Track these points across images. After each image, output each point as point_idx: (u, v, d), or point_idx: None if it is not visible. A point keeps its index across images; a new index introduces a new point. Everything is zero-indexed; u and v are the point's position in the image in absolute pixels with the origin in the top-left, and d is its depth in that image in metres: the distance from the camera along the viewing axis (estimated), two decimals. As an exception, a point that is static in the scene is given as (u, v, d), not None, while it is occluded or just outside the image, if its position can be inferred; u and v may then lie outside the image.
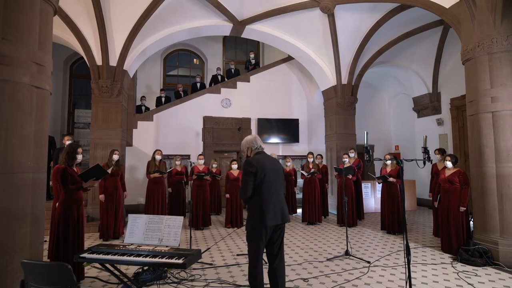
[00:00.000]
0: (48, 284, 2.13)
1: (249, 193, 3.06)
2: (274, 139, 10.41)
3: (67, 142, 5.81)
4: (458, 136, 8.97)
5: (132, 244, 3.17)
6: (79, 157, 4.07)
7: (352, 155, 7.92)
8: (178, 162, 7.84)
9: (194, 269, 4.40)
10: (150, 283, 3.84)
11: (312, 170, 7.62)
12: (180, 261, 2.82)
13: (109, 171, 5.71)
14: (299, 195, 9.33)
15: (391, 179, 6.35)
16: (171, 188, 7.83)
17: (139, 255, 2.93)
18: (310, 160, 7.85)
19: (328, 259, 4.90)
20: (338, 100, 9.04)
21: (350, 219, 7.08)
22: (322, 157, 8.55)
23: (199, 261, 4.52)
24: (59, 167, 3.90)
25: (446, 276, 4.21)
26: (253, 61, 11.34)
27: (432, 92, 9.78)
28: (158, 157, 7.13)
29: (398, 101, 11.59)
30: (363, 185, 8.63)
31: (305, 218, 7.58)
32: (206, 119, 9.94)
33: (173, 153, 9.36)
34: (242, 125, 10.00)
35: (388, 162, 6.57)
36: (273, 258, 3.12)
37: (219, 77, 10.89)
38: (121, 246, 3.13)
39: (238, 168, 7.61)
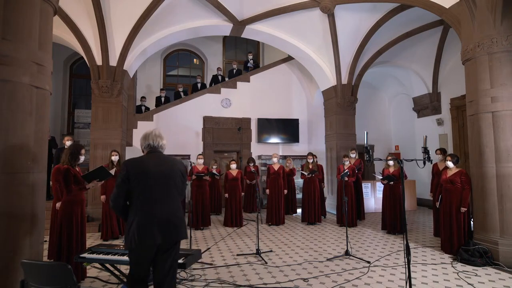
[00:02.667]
0: (48, 284, 2.13)
1: (119, 202, 2.41)
2: (274, 139, 10.41)
3: (67, 143, 5.81)
4: (458, 136, 8.97)
5: (132, 244, 3.16)
6: (82, 158, 4.09)
7: (353, 155, 7.92)
8: None
9: (194, 269, 4.40)
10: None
11: (313, 170, 7.63)
12: (180, 261, 2.82)
13: (113, 172, 5.71)
14: (299, 195, 9.34)
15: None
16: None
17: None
18: (310, 161, 7.85)
19: (328, 259, 4.90)
20: (338, 100, 9.04)
21: (350, 219, 7.08)
22: (316, 157, 8.48)
23: (199, 261, 4.52)
24: (61, 167, 3.90)
25: (446, 276, 4.21)
26: (251, 61, 11.35)
27: (432, 92, 9.78)
28: None
29: (398, 101, 11.58)
30: (363, 185, 8.62)
31: (305, 218, 7.59)
32: (206, 119, 9.93)
33: (173, 153, 9.33)
34: (242, 125, 10.00)
35: (391, 162, 6.58)
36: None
37: (220, 77, 10.89)
38: (121, 246, 3.13)
39: (237, 168, 7.67)
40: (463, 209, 5.01)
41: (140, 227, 2.35)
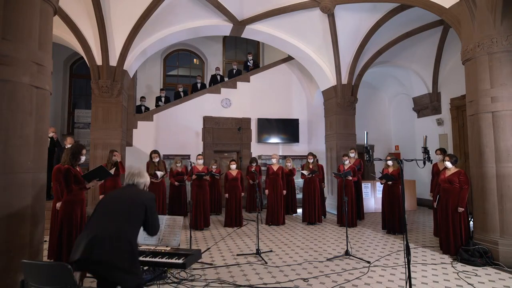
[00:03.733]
0: (48, 284, 2.13)
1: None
2: (274, 139, 10.41)
3: (68, 145, 5.82)
4: (458, 136, 8.97)
5: (132, 244, 3.16)
6: (83, 158, 4.10)
7: (352, 155, 7.92)
8: (178, 164, 7.87)
9: (194, 269, 4.40)
10: (150, 283, 3.84)
11: (313, 170, 7.63)
12: (180, 261, 2.82)
13: (112, 172, 5.72)
14: (299, 195, 9.33)
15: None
16: (171, 188, 7.87)
17: (139, 255, 2.93)
18: (310, 160, 7.85)
19: (328, 259, 4.90)
20: (338, 100, 9.04)
21: (350, 219, 7.08)
22: (316, 157, 8.47)
23: (199, 261, 4.52)
24: (62, 167, 3.91)
25: (446, 276, 4.21)
26: (251, 61, 11.35)
27: (432, 92, 9.78)
28: (155, 160, 7.22)
29: (398, 101, 11.58)
30: (363, 185, 8.62)
31: (305, 218, 7.58)
32: (206, 119, 9.93)
33: (173, 153, 9.36)
34: (242, 125, 10.00)
35: (390, 162, 6.58)
36: None
37: (218, 77, 10.89)
38: (121, 246, 3.12)
39: (236, 168, 7.67)
40: (460, 209, 5.00)
41: (77, 239, 2.39)
